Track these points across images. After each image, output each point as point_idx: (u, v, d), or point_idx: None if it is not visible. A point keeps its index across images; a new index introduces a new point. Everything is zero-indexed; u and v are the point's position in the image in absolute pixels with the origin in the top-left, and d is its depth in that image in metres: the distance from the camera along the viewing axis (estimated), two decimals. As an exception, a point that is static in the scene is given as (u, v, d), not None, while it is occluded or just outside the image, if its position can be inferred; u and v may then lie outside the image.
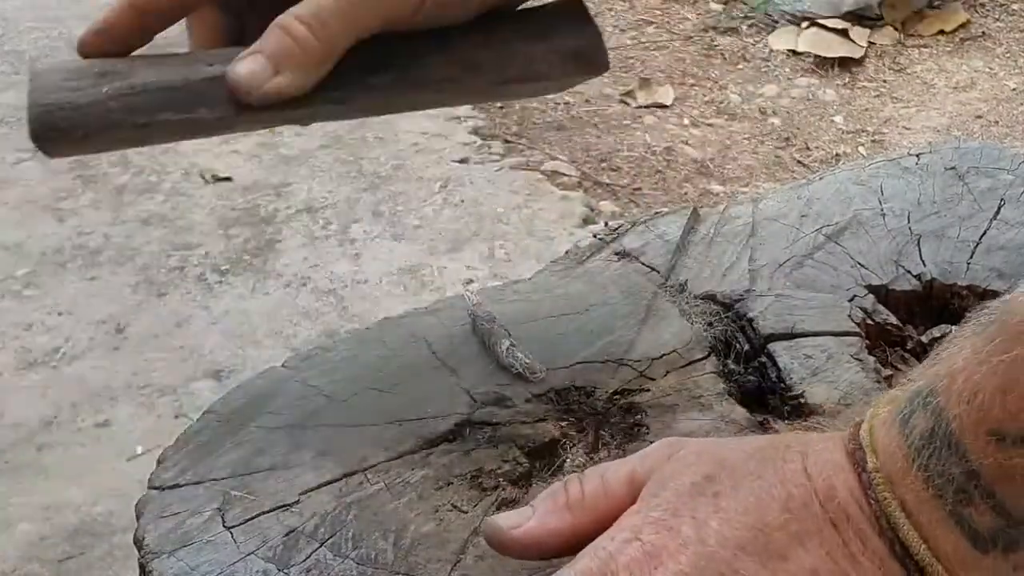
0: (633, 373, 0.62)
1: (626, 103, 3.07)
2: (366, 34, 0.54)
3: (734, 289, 0.69)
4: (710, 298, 0.68)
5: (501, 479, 0.53)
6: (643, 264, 0.72)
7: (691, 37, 3.48)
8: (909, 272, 0.70)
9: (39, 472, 1.78)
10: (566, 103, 3.05)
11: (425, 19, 0.55)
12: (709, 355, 0.64)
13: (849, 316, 0.66)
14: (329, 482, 0.53)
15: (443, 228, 2.43)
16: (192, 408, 1.89)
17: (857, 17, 3.34)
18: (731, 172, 2.71)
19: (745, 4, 3.57)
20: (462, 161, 2.70)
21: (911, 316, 0.68)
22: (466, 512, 0.51)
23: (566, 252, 0.76)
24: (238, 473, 0.54)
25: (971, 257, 0.71)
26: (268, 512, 0.52)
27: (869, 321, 0.66)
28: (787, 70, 3.26)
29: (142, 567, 0.50)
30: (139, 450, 1.82)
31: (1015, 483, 0.39)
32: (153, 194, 2.56)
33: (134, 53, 0.59)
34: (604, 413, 0.59)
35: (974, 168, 0.81)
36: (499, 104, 3.01)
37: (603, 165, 2.75)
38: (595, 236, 0.77)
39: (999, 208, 0.76)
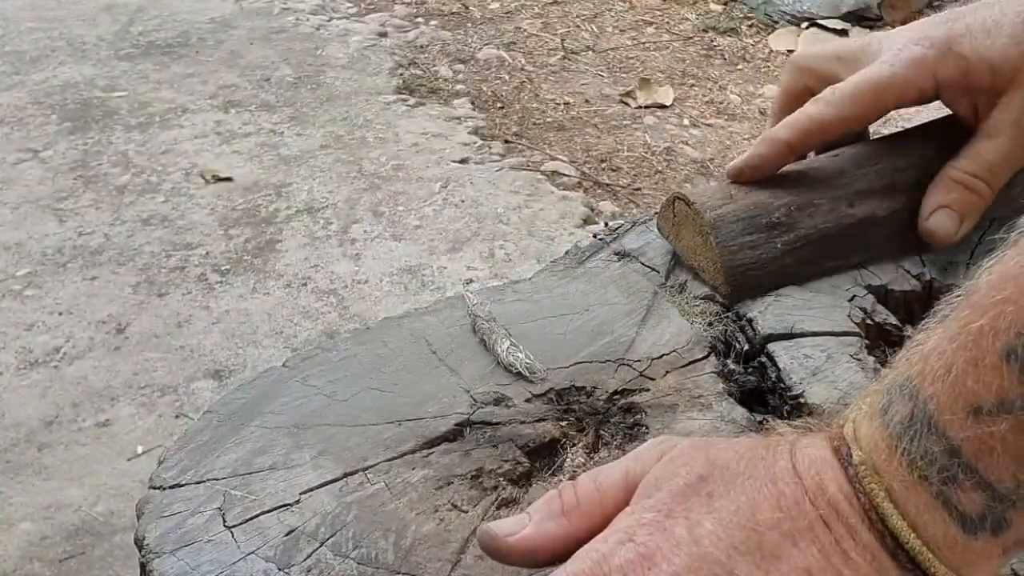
0: (633, 373, 0.62)
1: (626, 103, 3.07)
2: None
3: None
4: (710, 298, 0.68)
5: (501, 479, 0.53)
6: (643, 264, 0.72)
7: (691, 37, 3.48)
8: (909, 272, 0.70)
9: (40, 472, 1.78)
10: (566, 103, 3.05)
11: None
12: (709, 355, 0.64)
13: (849, 316, 0.66)
14: (329, 482, 0.53)
15: (443, 228, 2.43)
16: (192, 408, 1.89)
17: (857, 17, 3.35)
18: (731, 172, 2.70)
19: (745, 4, 3.57)
20: (462, 161, 2.70)
21: (911, 316, 0.68)
22: (466, 512, 0.51)
23: (566, 252, 0.76)
24: (238, 473, 0.54)
25: (971, 257, 0.71)
26: (268, 512, 0.52)
27: (869, 321, 0.66)
28: (787, 70, 3.25)
29: (143, 567, 0.50)
30: (139, 450, 1.82)
31: (995, 455, 0.39)
32: (154, 194, 2.56)
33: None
34: (604, 413, 0.59)
35: (974, 168, 0.81)
36: (499, 105, 3.01)
37: (603, 165, 2.75)
38: (595, 236, 0.77)
39: (999, 208, 0.76)
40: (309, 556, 0.49)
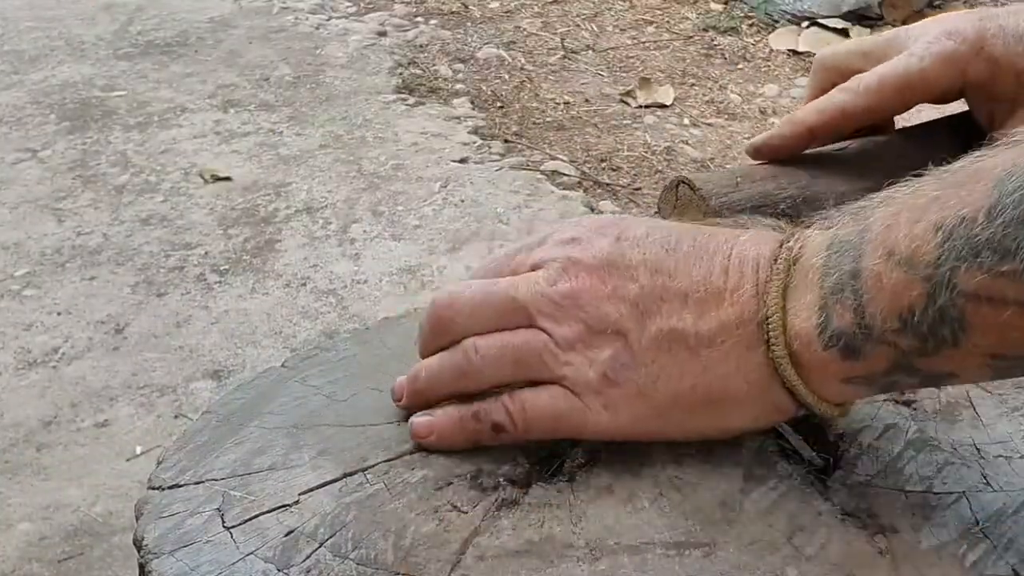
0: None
1: (626, 103, 3.07)
2: None
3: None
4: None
5: (501, 479, 0.53)
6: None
7: (691, 37, 3.49)
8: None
9: (38, 472, 1.78)
10: (566, 103, 3.06)
11: None
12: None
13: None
14: (329, 482, 0.53)
15: (443, 228, 2.43)
16: (192, 408, 1.89)
17: (858, 17, 3.35)
18: (731, 172, 2.71)
19: (745, 4, 3.57)
20: (462, 161, 2.70)
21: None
22: (466, 513, 0.51)
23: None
24: (238, 473, 0.54)
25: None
26: (268, 512, 0.51)
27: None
28: (787, 70, 3.26)
29: (141, 567, 0.50)
30: (138, 450, 1.82)
31: (883, 294, 0.44)
32: (152, 194, 2.56)
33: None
34: (605, 413, 0.59)
35: (975, 167, 0.81)
36: (499, 104, 3.01)
37: (603, 165, 2.75)
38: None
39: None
40: (308, 557, 0.49)
